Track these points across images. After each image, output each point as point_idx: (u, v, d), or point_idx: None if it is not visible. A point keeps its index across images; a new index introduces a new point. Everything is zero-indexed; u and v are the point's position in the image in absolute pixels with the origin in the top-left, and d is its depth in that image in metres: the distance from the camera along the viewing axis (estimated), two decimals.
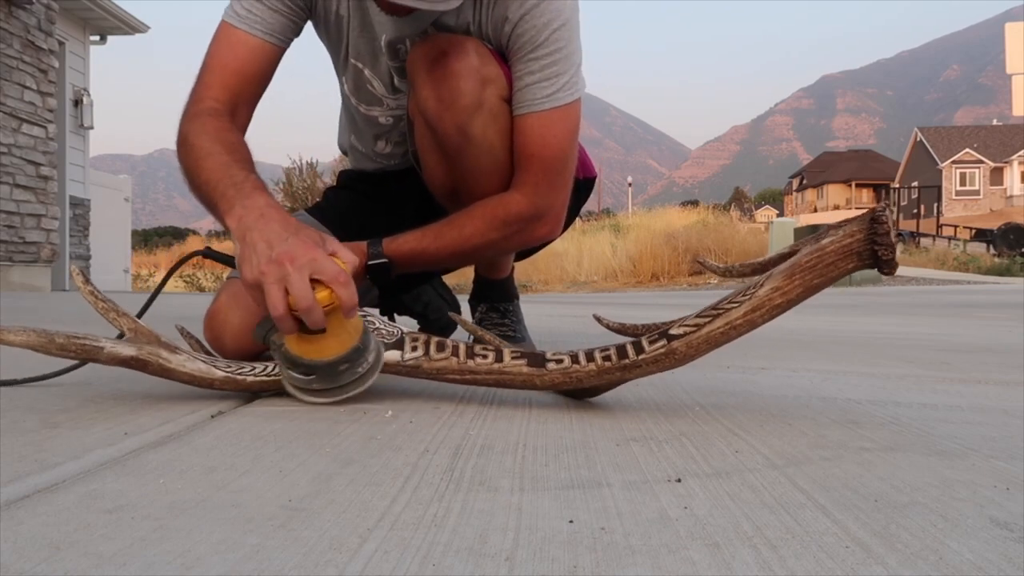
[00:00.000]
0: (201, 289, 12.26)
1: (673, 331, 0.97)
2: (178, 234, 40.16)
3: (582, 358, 1.00)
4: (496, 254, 1.40)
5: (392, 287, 1.35)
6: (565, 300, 5.59)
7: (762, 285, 0.95)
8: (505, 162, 1.29)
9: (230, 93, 1.22)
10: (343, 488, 0.65)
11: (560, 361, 1.01)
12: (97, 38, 9.30)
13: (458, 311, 1.88)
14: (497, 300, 1.68)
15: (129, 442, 0.80)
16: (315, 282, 0.93)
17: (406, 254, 1.27)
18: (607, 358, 0.99)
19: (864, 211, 0.94)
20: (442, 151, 1.31)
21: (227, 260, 1.11)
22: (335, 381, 1.00)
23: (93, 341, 0.99)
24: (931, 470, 0.75)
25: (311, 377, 1.00)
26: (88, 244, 8.96)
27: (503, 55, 1.27)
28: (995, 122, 56.41)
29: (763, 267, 1.01)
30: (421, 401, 1.06)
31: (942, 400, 1.19)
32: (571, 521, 0.58)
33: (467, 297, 1.77)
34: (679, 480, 0.69)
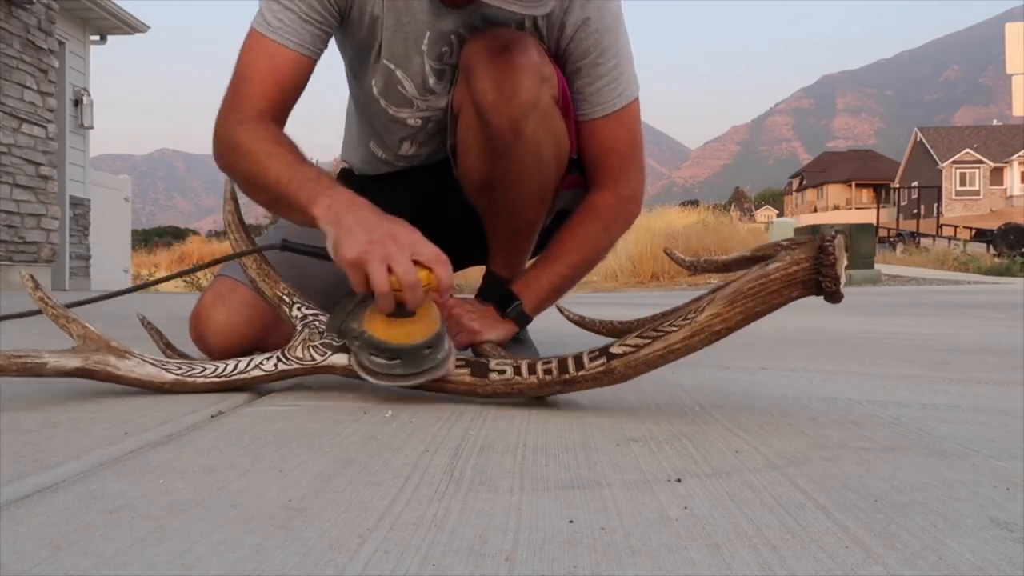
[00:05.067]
0: (200, 289, 12.24)
1: (613, 350, 0.99)
2: (178, 234, 40.16)
3: (524, 370, 1.02)
4: (606, 254, 1.49)
5: None
6: (565, 300, 5.56)
7: (702, 310, 0.95)
8: (545, 163, 1.33)
9: (270, 104, 1.22)
10: (343, 488, 0.65)
11: (502, 372, 1.03)
12: (97, 38, 9.31)
13: None
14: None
15: (129, 442, 0.80)
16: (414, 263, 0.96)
17: (543, 300, 1.39)
18: (548, 371, 1.01)
19: (812, 240, 0.92)
20: (487, 145, 1.31)
21: (309, 251, 1.10)
22: (419, 365, 1.01)
23: (35, 357, 0.99)
24: (931, 470, 0.75)
25: (395, 362, 1.01)
26: (88, 244, 8.96)
27: (554, 55, 1.30)
28: (995, 122, 56.41)
29: (725, 266, 1.03)
30: (421, 401, 1.06)
31: (942, 400, 1.19)
32: (571, 521, 0.58)
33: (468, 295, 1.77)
34: (679, 480, 0.69)
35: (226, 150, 1.18)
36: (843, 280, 0.90)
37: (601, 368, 0.99)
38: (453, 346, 1.06)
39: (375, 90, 1.40)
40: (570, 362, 1.01)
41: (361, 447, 0.80)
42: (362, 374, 1.04)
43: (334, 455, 0.76)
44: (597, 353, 1.00)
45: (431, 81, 1.36)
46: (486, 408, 1.03)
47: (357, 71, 1.43)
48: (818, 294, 0.91)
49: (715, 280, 11.49)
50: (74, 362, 1.01)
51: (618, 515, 0.59)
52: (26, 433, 0.84)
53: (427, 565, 0.49)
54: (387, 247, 0.96)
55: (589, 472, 0.72)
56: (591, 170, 1.39)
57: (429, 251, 0.98)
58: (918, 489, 0.68)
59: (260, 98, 1.21)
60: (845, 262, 0.90)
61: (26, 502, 0.61)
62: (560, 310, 1.34)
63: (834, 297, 0.91)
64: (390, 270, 0.96)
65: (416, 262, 0.97)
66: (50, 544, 0.52)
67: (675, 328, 0.96)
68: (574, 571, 0.49)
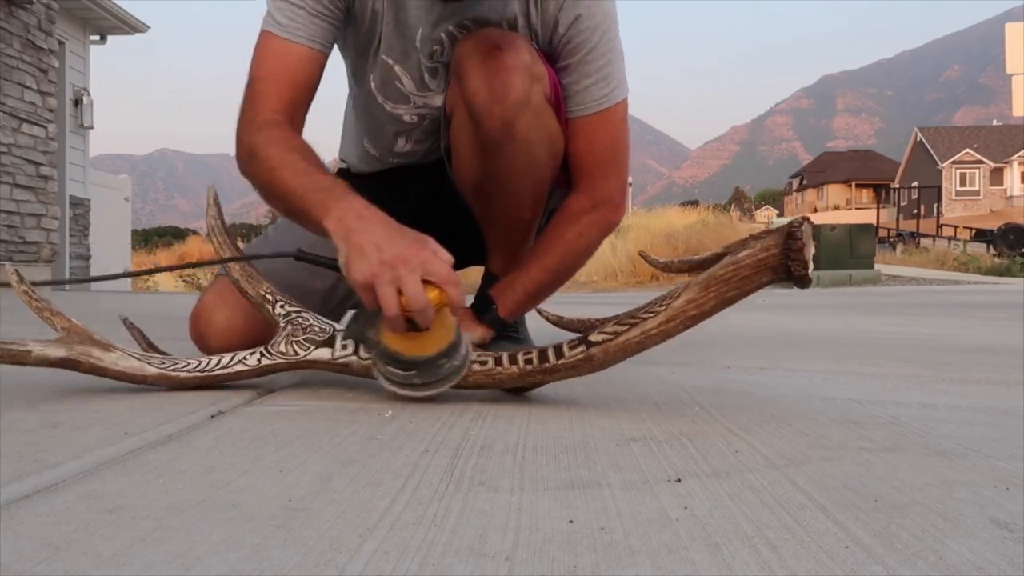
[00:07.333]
0: (200, 289, 12.22)
1: (592, 338, 1.01)
2: (178, 234, 40.09)
3: (505, 361, 1.04)
4: (586, 259, 1.46)
5: None
6: (565, 300, 5.58)
7: (678, 296, 0.97)
8: (539, 162, 1.32)
9: (285, 104, 1.22)
10: (343, 488, 0.65)
11: (484, 363, 1.05)
12: (97, 38, 9.30)
13: None
14: None
15: (129, 442, 0.80)
16: (425, 282, 0.96)
17: (519, 305, 1.36)
18: (528, 361, 1.03)
19: (781, 228, 0.93)
20: (480, 145, 1.31)
21: (324, 263, 1.10)
22: (435, 375, 1.03)
23: (20, 345, 1.00)
24: (931, 470, 0.75)
25: (411, 372, 1.03)
26: (88, 244, 8.96)
27: (547, 53, 1.29)
28: (995, 122, 56.43)
29: (700, 265, 1.04)
30: (421, 402, 1.06)
31: (942, 400, 1.19)
32: (571, 521, 0.58)
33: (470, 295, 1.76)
34: (679, 480, 0.69)
35: (245, 158, 1.18)
36: (811, 266, 0.92)
37: (580, 356, 1.00)
38: (471, 351, 1.06)
39: (372, 85, 1.41)
40: (550, 352, 1.02)
41: (361, 447, 0.80)
42: (382, 382, 1.05)
43: (334, 455, 0.76)
44: (576, 342, 1.01)
45: (427, 78, 1.37)
46: (486, 408, 1.03)
47: (357, 68, 1.43)
48: (788, 280, 0.93)
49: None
50: (58, 352, 1.01)
51: (618, 515, 0.59)
52: (26, 433, 0.84)
53: (427, 565, 0.49)
54: (397, 270, 0.95)
55: (589, 472, 0.72)
56: (571, 170, 1.37)
57: (440, 270, 0.97)
58: (918, 489, 0.68)
59: (275, 100, 1.21)
60: (813, 249, 0.92)
61: (26, 502, 0.61)
62: (539, 312, 1.34)
63: (802, 281, 0.92)
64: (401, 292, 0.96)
65: (428, 281, 0.96)
66: (50, 544, 0.52)
67: (651, 314, 0.98)
68: (574, 571, 0.49)
